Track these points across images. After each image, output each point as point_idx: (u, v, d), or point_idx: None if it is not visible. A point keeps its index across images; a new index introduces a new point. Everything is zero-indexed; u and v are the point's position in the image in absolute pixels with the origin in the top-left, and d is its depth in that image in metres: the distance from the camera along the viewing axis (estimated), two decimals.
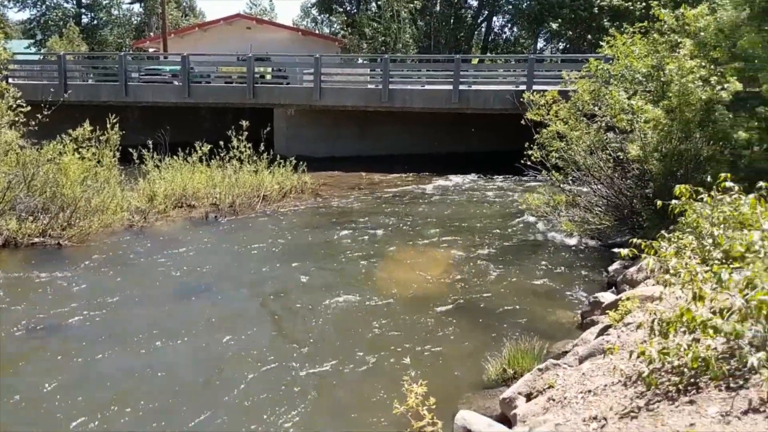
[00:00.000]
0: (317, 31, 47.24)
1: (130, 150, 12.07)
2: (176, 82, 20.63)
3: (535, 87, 16.23)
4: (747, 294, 3.43)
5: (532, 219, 11.74)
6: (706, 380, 3.38)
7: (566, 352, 5.61)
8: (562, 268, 8.98)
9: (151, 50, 34.77)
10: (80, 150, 10.45)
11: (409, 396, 4.29)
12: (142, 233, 10.69)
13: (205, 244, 10.12)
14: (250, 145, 13.19)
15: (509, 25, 44.57)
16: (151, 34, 41.23)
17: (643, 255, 4.41)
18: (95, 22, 43.40)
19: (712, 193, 4.63)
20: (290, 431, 4.89)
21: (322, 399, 5.41)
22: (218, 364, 6.00)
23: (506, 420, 4.64)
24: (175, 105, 20.31)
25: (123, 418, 5.01)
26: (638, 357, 3.67)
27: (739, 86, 8.00)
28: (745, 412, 2.99)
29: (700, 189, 4.70)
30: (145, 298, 7.72)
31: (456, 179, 16.84)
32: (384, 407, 4.80)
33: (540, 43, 43.30)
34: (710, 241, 4.30)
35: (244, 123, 12.70)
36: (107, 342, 6.47)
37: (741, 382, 3.25)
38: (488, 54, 38.89)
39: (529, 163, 10.67)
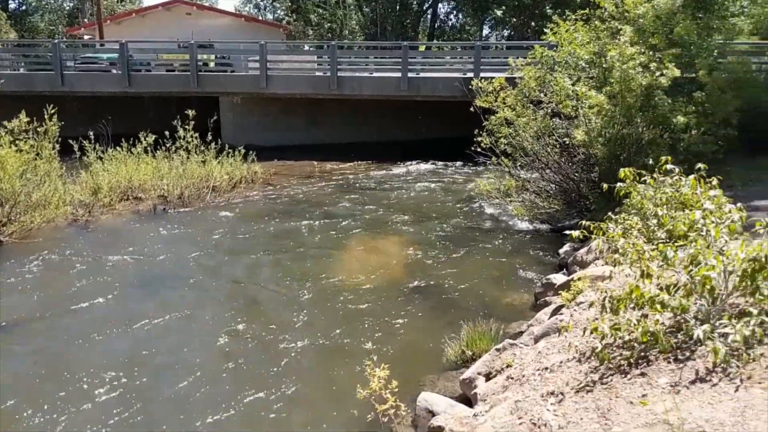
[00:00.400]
0: (261, 18, 46.41)
1: (71, 142, 11.61)
2: (115, 71, 19.88)
3: (482, 74, 16.44)
4: (691, 270, 3.64)
5: (484, 205, 11.98)
6: (656, 353, 3.58)
7: (522, 333, 5.80)
8: (515, 251, 9.22)
9: (86, 37, 33.49)
10: (17, 142, 10.00)
11: (372, 380, 4.37)
12: (88, 228, 10.37)
13: (155, 237, 9.91)
14: (196, 135, 12.92)
15: (454, 12, 45.01)
16: (86, 20, 39.70)
17: (593, 236, 4.60)
18: (24, 7, 41.45)
19: (655, 175, 4.87)
20: (252, 419, 4.90)
21: (284, 386, 5.43)
22: (174, 356, 5.94)
23: (467, 400, 4.78)
24: (116, 94, 19.63)
25: (75, 414, 4.91)
26: (591, 333, 3.85)
27: (677, 72, 8.35)
28: (693, 382, 3.19)
29: (643, 172, 4.93)
30: (95, 294, 7.51)
31: (408, 167, 16.97)
32: (347, 392, 4.86)
33: (485, 30, 43.92)
34: (654, 221, 4.51)
35: (191, 112, 12.42)
36: (57, 338, 6.31)
37: (688, 354, 3.45)
38: (435, 41, 39.13)
39: (479, 149, 10.86)
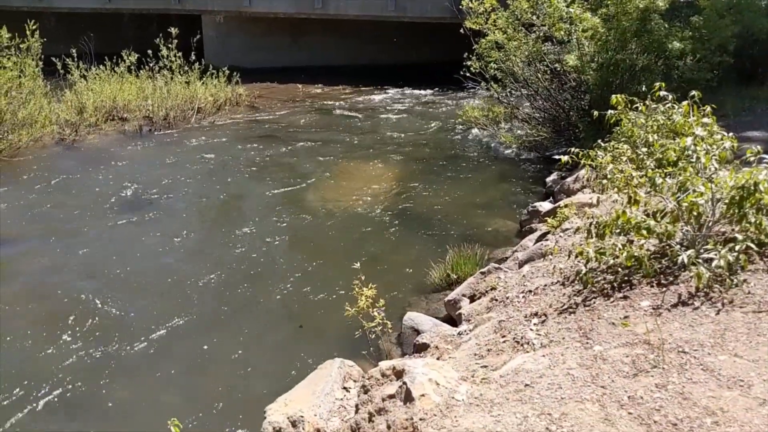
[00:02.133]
0: None
1: (53, 60, 11.22)
2: None
3: None
4: (679, 197, 3.66)
5: (472, 131, 11.86)
6: (639, 278, 3.64)
7: (507, 258, 5.87)
8: (502, 179, 9.22)
9: None
10: None
11: (360, 299, 4.44)
12: (75, 147, 10.22)
13: (142, 158, 9.78)
14: (179, 54, 12.52)
15: None
16: None
17: (581, 164, 4.58)
18: None
19: (647, 102, 4.79)
20: (238, 335, 4.99)
21: (271, 304, 5.51)
22: (167, 279, 5.97)
23: (451, 320, 4.89)
24: (96, 11, 18.84)
25: (67, 334, 4.97)
26: (576, 257, 3.90)
27: None
28: (675, 305, 3.26)
29: (635, 99, 4.85)
30: (87, 213, 7.52)
31: (396, 91, 16.66)
32: (335, 310, 4.95)
33: None
34: (645, 149, 4.49)
35: (173, 30, 11.97)
36: (50, 256, 6.31)
37: (672, 279, 3.51)
38: None
39: (468, 74, 10.63)
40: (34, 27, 10.04)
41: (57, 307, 5.40)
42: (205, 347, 4.88)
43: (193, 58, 12.81)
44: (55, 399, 4.28)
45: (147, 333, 5.04)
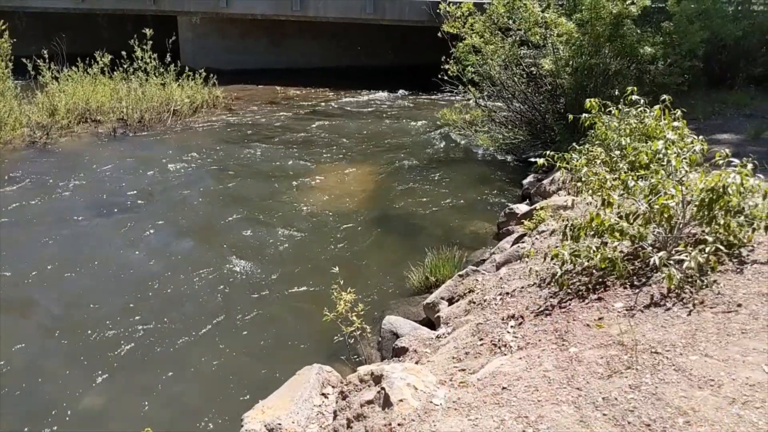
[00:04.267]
0: None
1: (24, 61, 11.04)
2: None
3: None
4: (651, 199, 3.72)
5: (449, 134, 11.93)
6: (613, 279, 3.70)
7: (484, 260, 5.91)
8: (479, 181, 9.28)
9: None
10: None
11: (338, 303, 4.43)
12: (47, 150, 10.05)
13: (116, 161, 9.64)
14: (155, 56, 12.39)
15: None
16: None
17: (558, 165, 4.64)
18: None
19: (620, 106, 4.88)
20: (218, 340, 4.96)
21: (250, 308, 5.48)
22: (140, 283, 5.90)
23: (430, 323, 4.91)
24: (69, 12, 18.57)
25: (36, 341, 4.89)
26: (552, 260, 3.94)
27: (647, 1, 8.26)
28: (648, 306, 3.32)
29: (609, 103, 4.94)
30: (58, 216, 7.39)
31: (374, 94, 16.69)
32: (314, 314, 4.94)
33: None
34: (618, 152, 4.56)
35: (148, 31, 11.84)
36: (19, 262, 6.19)
37: (644, 280, 3.58)
38: None
39: (446, 78, 10.69)
40: (3, 27, 9.86)
41: (24, 312, 5.31)
42: (181, 353, 4.84)
43: (169, 59, 12.68)
44: (27, 406, 4.21)
45: (121, 339, 4.98)
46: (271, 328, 5.27)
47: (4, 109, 10.02)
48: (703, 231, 3.71)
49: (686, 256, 3.32)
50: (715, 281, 3.36)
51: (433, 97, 15.66)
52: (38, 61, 11.45)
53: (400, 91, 16.97)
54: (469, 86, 10.62)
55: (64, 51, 12.84)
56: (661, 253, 3.40)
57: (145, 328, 5.15)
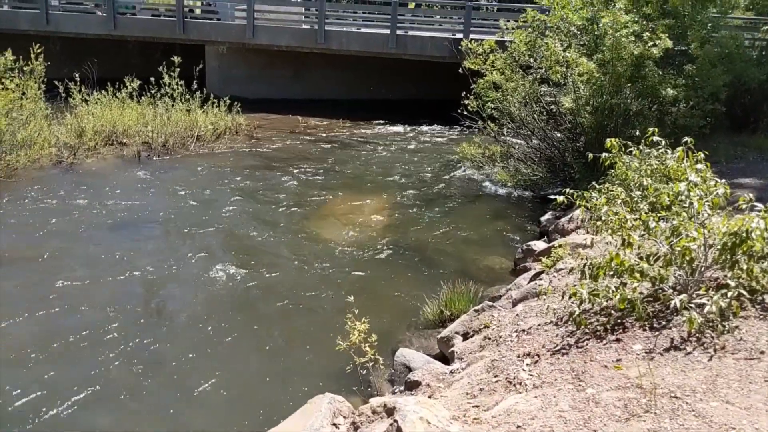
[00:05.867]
0: None
1: (56, 83, 11.35)
2: (100, 13, 19.32)
3: (472, 35, 16.25)
4: (672, 241, 3.69)
5: (468, 168, 11.96)
6: (632, 321, 3.65)
7: (500, 296, 5.86)
8: (497, 217, 9.26)
9: None
10: (2, 80, 9.75)
11: (352, 333, 4.42)
12: (72, 170, 10.25)
13: (139, 183, 9.80)
14: (182, 82, 12.69)
15: None
16: None
17: (577, 202, 4.63)
18: None
19: (641, 147, 4.88)
20: (232, 367, 4.94)
21: (265, 336, 5.47)
22: (160, 302, 5.94)
23: (444, 358, 4.87)
24: (101, 37, 19.08)
25: (53, 359, 4.91)
26: (569, 298, 3.91)
27: (669, 43, 8.30)
28: (667, 349, 3.27)
29: (629, 143, 4.94)
30: (80, 235, 7.52)
31: (393, 127, 16.83)
32: (328, 344, 4.91)
33: None
34: (639, 192, 4.54)
35: (176, 59, 12.15)
36: (40, 276, 6.27)
37: (664, 323, 3.53)
38: None
39: (465, 112, 10.79)
40: (39, 50, 10.17)
41: (44, 330, 5.35)
42: (193, 378, 4.82)
43: (195, 86, 12.97)
44: (40, 426, 4.21)
45: (133, 360, 4.99)
46: (282, 355, 5.25)
47: (34, 129, 10.24)
48: (725, 275, 3.66)
49: (708, 300, 3.27)
50: (737, 327, 3.30)
51: (452, 131, 15.76)
52: (69, 83, 11.77)
53: (419, 125, 17.09)
54: (489, 122, 10.70)
55: (95, 75, 13.19)
56: (682, 296, 3.36)
57: (154, 350, 5.15)
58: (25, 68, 10.10)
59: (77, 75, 12.05)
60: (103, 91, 12.40)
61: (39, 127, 10.44)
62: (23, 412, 4.32)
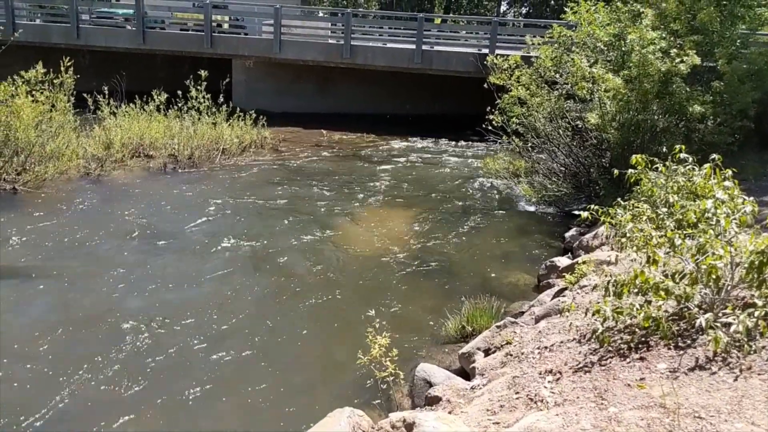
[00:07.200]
0: None
1: (84, 96, 11.64)
2: (130, 27, 19.80)
3: (498, 51, 16.30)
4: (698, 259, 3.64)
5: (492, 184, 11.94)
6: (657, 339, 3.60)
7: (523, 312, 5.83)
8: (520, 232, 9.21)
9: None
10: (33, 93, 10.02)
11: (373, 347, 4.42)
12: (100, 182, 10.46)
13: (165, 195, 9.96)
14: (208, 96, 12.91)
15: None
16: None
17: (602, 218, 4.59)
18: None
19: (667, 163, 4.83)
20: (257, 380, 4.97)
21: (286, 348, 5.50)
22: (180, 317, 6.00)
23: (465, 374, 4.84)
24: (130, 51, 19.55)
25: (78, 370, 4.99)
26: (593, 315, 3.87)
27: (697, 60, 8.21)
28: (692, 369, 3.22)
29: (656, 159, 4.89)
30: (108, 247, 7.64)
31: (418, 141, 16.89)
32: (349, 357, 4.92)
33: (503, 6, 43.23)
34: (665, 209, 4.49)
35: (203, 73, 12.38)
36: (71, 287, 6.40)
37: (689, 342, 3.47)
38: (451, 14, 38.54)
39: (490, 128, 10.79)
40: (68, 63, 10.44)
41: (70, 341, 5.44)
42: (213, 389, 4.85)
43: (222, 100, 13.18)
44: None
45: (154, 370, 5.04)
46: (303, 367, 5.27)
47: (62, 141, 10.48)
48: (753, 294, 3.59)
49: (734, 320, 3.22)
50: (764, 347, 3.24)
51: (476, 146, 15.75)
52: (98, 96, 12.05)
53: (443, 140, 17.13)
54: (513, 137, 10.68)
55: (123, 88, 13.49)
56: (707, 315, 3.30)
57: (174, 362, 5.19)
58: (54, 81, 10.35)
59: (106, 88, 12.34)
60: (130, 104, 12.67)
61: (67, 139, 10.67)
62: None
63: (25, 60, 10.85)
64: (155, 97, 12.47)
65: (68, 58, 10.59)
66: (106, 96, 12.26)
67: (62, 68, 10.35)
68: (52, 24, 20.09)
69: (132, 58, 20.04)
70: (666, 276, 3.77)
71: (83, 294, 6.33)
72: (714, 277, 3.53)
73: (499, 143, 11.26)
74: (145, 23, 19.19)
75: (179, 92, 12.72)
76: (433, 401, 4.20)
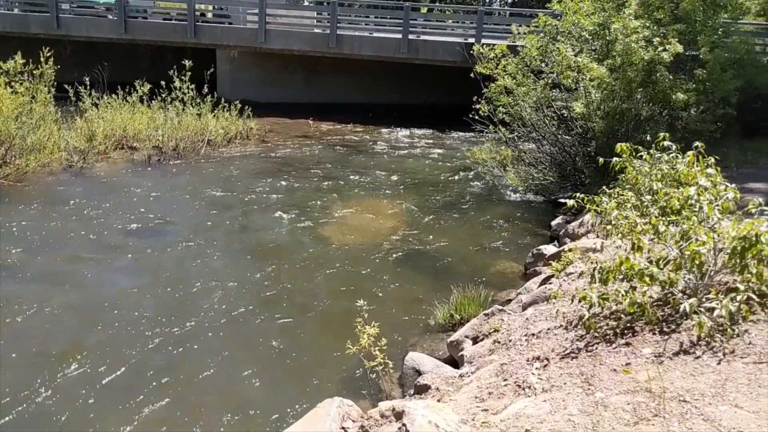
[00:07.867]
0: None
1: (66, 86, 11.47)
2: (111, 16, 19.51)
3: (484, 40, 16.28)
4: (682, 245, 3.70)
5: (479, 173, 11.98)
6: (642, 324, 3.66)
7: (510, 300, 5.88)
8: (507, 221, 9.27)
9: None
10: (12, 84, 9.85)
11: (361, 337, 4.44)
12: (83, 174, 10.34)
13: (150, 187, 9.88)
14: (192, 86, 12.78)
15: None
16: None
17: (587, 206, 4.64)
18: None
19: (651, 151, 4.88)
20: (247, 372, 4.98)
21: (275, 339, 5.51)
22: (171, 308, 5.98)
23: (453, 362, 4.88)
24: (112, 41, 19.27)
25: (69, 365, 4.97)
26: (579, 302, 3.91)
27: (680, 48, 8.28)
28: (677, 353, 3.27)
29: (640, 148, 4.94)
30: (91, 239, 7.57)
31: (404, 131, 16.88)
32: (337, 348, 4.94)
33: None
34: (649, 197, 4.54)
35: (187, 63, 12.26)
36: (50, 281, 6.34)
37: (673, 327, 3.53)
38: (437, 3, 38.42)
39: (477, 117, 10.81)
40: (48, 54, 10.27)
41: (54, 338, 5.41)
42: (201, 381, 4.86)
43: (206, 90, 13.07)
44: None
45: (140, 364, 5.03)
46: (292, 358, 5.28)
47: (43, 133, 10.33)
48: (735, 279, 3.65)
49: (717, 304, 3.28)
50: (746, 331, 3.30)
51: (462, 136, 15.76)
52: (80, 87, 11.88)
53: (430, 129, 17.13)
54: (500, 126, 10.71)
55: (106, 79, 13.32)
56: (691, 300, 3.36)
57: (162, 355, 5.18)
58: (35, 72, 10.18)
59: (87, 79, 12.17)
60: (113, 95, 12.51)
61: (49, 131, 10.51)
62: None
63: (5, 51, 10.67)
64: (138, 87, 12.32)
65: (48, 48, 10.42)
66: (88, 87, 12.09)
67: (42, 59, 10.19)
68: (31, 13, 19.73)
69: (114, 48, 19.76)
70: (650, 262, 3.82)
71: (62, 287, 6.28)
72: (697, 262, 3.58)
73: (487, 133, 11.29)
74: (127, 12, 18.90)
75: (163, 83, 12.57)
76: (422, 390, 4.24)
